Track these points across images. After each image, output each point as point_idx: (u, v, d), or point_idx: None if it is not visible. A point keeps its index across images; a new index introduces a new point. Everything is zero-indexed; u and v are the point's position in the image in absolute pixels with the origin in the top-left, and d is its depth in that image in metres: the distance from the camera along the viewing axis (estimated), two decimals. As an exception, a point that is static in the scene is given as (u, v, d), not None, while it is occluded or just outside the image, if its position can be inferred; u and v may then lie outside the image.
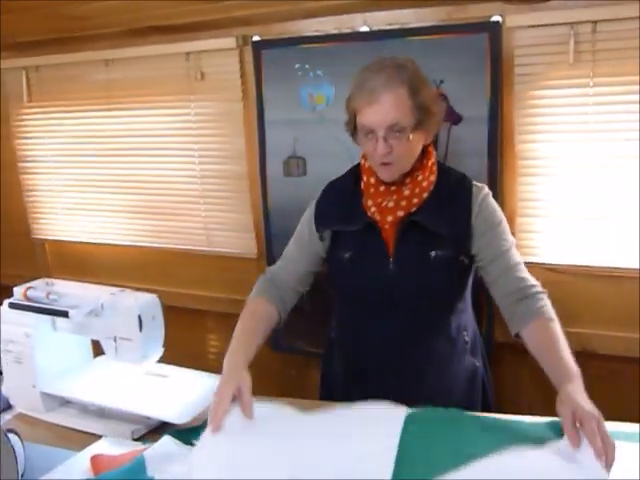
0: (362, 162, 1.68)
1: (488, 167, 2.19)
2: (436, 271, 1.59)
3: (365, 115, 1.51)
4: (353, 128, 1.59)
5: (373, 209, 1.60)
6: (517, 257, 1.63)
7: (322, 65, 2.36)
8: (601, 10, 1.96)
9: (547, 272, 2.24)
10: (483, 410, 1.68)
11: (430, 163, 1.61)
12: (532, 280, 1.61)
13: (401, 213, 1.58)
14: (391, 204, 1.58)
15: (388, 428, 1.35)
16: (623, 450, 1.32)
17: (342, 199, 1.69)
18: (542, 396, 2.32)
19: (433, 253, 1.58)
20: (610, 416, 1.46)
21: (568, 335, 2.26)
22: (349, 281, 1.68)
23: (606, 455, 1.17)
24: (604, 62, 2.01)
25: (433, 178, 1.62)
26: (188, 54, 2.61)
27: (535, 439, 1.30)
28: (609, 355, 2.24)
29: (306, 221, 1.76)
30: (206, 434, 1.34)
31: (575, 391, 1.30)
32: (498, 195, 2.21)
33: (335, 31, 2.34)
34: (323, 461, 1.27)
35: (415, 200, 1.58)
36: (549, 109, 2.12)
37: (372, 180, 1.62)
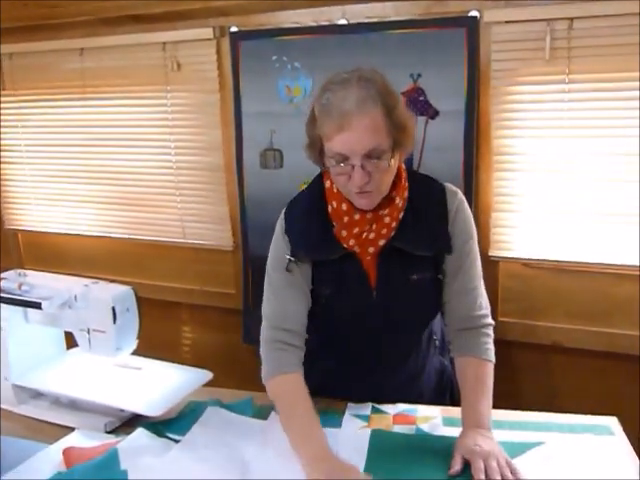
0: (327, 185, 1.46)
1: (464, 162, 2.20)
2: (417, 294, 1.51)
3: (336, 142, 1.28)
4: (318, 154, 1.37)
5: (352, 242, 1.43)
6: (475, 278, 1.51)
7: (300, 57, 2.35)
8: (577, 7, 1.98)
9: (521, 267, 2.26)
10: (451, 404, 1.69)
11: (403, 181, 1.45)
12: (484, 308, 1.52)
13: (382, 242, 1.43)
14: (372, 235, 1.42)
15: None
16: (590, 443, 1.34)
17: (310, 225, 1.48)
18: (508, 389, 2.36)
19: (414, 277, 1.48)
20: (577, 409, 1.49)
21: (539, 329, 2.30)
22: (330, 316, 1.56)
23: None
24: (580, 59, 2.03)
25: (406, 194, 1.45)
26: (164, 44, 2.59)
27: None
28: (577, 349, 2.27)
29: (282, 255, 1.49)
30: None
31: (471, 436, 1.30)
32: (473, 190, 2.23)
33: (313, 23, 2.34)
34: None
35: (394, 224, 1.43)
36: (525, 105, 2.13)
37: (344, 207, 1.42)
